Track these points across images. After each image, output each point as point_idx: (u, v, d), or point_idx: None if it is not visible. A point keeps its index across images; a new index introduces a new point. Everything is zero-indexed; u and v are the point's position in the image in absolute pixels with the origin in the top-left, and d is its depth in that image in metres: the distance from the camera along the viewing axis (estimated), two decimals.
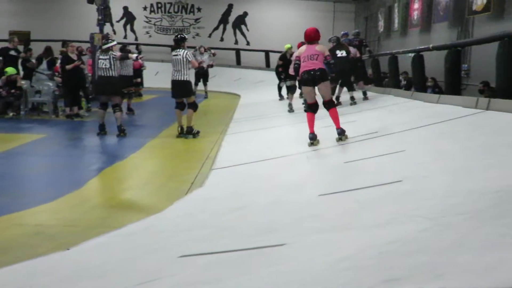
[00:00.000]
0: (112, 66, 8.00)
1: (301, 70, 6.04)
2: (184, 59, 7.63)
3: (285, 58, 11.80)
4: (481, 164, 3.23)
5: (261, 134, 7.70)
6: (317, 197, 3.38)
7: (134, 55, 9.63)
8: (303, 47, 6.29)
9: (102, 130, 8.01)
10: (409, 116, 6.52)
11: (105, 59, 8.00)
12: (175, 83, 7.77)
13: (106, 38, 10.48)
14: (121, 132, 7.95)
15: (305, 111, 6.83)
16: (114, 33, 21.11)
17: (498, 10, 9.89)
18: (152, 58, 20.38)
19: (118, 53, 8.55)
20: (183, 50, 7.71)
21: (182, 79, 7.70)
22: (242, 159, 5.76)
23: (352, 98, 9.20)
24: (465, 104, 5.73)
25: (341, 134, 5.83)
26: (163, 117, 10.66)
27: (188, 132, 7.84)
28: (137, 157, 6.49)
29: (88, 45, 13.72)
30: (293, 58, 7.08)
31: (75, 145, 7.38)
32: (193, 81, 10.43)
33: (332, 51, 8.35)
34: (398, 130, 5.52)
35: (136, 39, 22.68)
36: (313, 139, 5.96)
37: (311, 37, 6.22)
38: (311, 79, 5.93)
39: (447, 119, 5.36)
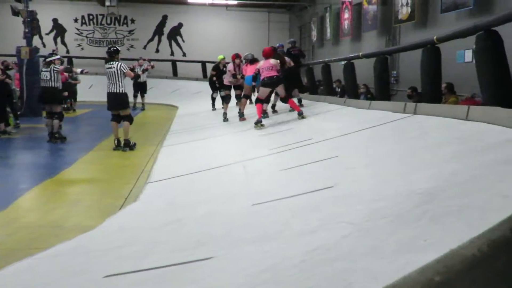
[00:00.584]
0: (52, 78, 8.73)
1: (263, 76, 8.29)
2: (119, 71, 7.68)
3: (218, 69, 12.04)
4: (407, 167, 3.34)
5: (198, 145, 7.64)
6: (251, 207, 3.37)
7: (79, 70, 10.05)
8: (262, 62, 8.49)
9: (52, 138, 8.68)
10: (342, 122, 6.68)
11: (47, 71, 8.76)
12: (111, 96, 7.80)
13: (53, 52, 11.92)
14: (57, 139, 8.63)
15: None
16: (44, 46, 20.40)
17: (422, 18, 10.39)
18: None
19: (60, 67, 9.29)
20: (117, 62, 7.75)
21: (118, 91, 7.73)
22: (178, 171, 5.69)
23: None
24: (394, 109, 5.94)
25: (301, 115, 8.01)
26: (98, 131, 10.37)
27: (125, 145, 7.82)
28: (69, 173, 6.25)
29: (15, 59, 13.22)
30: (252, 68, 9.07)
31: (2, 163, 7.00)
32: (130, 93, 10.43)
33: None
34: (332, 136, 5.64)
35: (67, 52, 22.00)
36: (260, 122, 8.06)
37: (267, 54, 8.49)
38: (270, 83, 8.24)
39: (377, 124, 5.53)
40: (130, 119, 7.95)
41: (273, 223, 2.61)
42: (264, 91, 8.41)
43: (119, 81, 7.68)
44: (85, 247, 3.15)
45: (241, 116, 9.60)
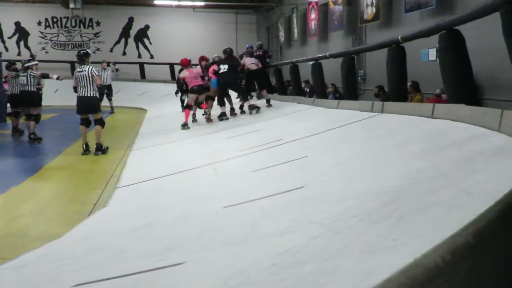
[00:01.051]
0: (29, 82, 9.52)
1: (192, 85, 9.65)
2: (90, 75, 7.69)
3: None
4: (375, 166, 3.39)
5: (167, 148, 7.58)
6: (222, 209, 3.35)
7: (55, 76, 10.38)
8: (186, 71, 9.84)
9: (29, 139, 9.27)
10: (311, 122, 6.73)
11: (24, 76, 9.63)
12: (82, 99, 7.78)
13: (31, 57, 13.25)
14: (34, 140, 9.14)
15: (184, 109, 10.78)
16: (7, 50, 19.91)
17: (386, 18, 10.56)
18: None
19: (37, 72, 9.92)
20: (88, 66, 7.80)
21: (89, 95, 7.73)
22: (148, 175, 5.62)
23: (250, 106, 9.45)
24: (362, 108, 6.02)
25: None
26: (64, 136, 10.18)
27: (97, 149, 7.78)
28: (34, 181, 6.11)
29: None
30: (181, 77, 10.34)
31: None
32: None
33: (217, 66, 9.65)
34: (301, 137, 5.66)
35: (31, 55, 21.46)
36: (185, 125, 9.36)
37: (187, 64, 9.89)
38: (198, 90, 9.64)
39: (345, 124, 5.58)
40: (102, 123, 7.96)
41: (244, 225, 2.60)
42: (192, 97, 9.79)
43: (90, 85, 7.67)
44: (52, 255, 3.08)
45: (208, 117, 9.86)
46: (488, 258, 1.37)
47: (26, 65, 9.97)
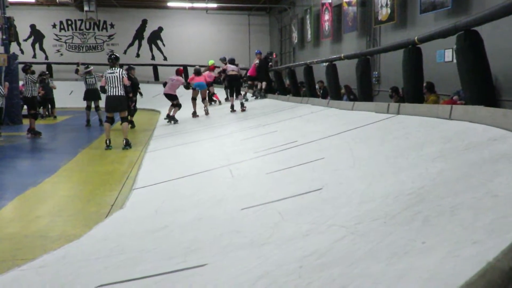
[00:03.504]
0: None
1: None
2: (121, 76, 8.54)
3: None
4: (394, 167, 3.36)
5: (182, 150, 7.60)
6: (240, 211, 3.35)
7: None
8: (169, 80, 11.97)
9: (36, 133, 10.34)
10: (326, 124, 6.70)
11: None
12: (112, 98, 8.56)
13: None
14: (33, 133, 10.09)
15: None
16: (22, 52, 20.13)
17: (401, 19, 10.50)
18: (65, 77, 19.63)
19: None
20: (119, 69, 8.69)
21: (119, 94, 8.54)
22: (163, 176, 5.64)
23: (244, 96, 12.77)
24: (378, 110, 5.98)
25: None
26: (79, 138, 10.25)
27: (126, 144, 8.58)
28: (51, 182, 6.16)
29: None
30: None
31: None
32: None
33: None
34: (317, 138, 5.64)
35: (46, 58, 21.74)
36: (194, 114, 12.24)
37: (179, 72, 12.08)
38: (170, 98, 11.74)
39: (361, 125, 5.55)
40: (128, 120, 9.12)
41: (264, 227, 2.59)
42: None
43: (120, 85, 8.49)
44: (72, 256, 3.10)
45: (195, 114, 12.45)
46: None
47: (87, 69, 13.02)
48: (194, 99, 12.57)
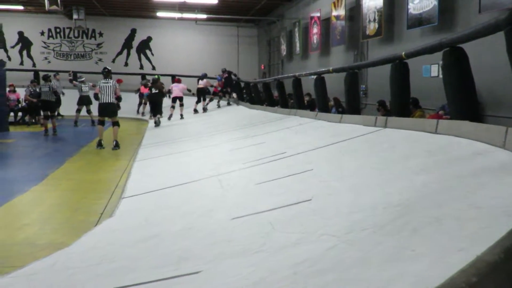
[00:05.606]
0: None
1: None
2: (113, 87, 10.07)
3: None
4: (381, 179, 3.43)
5: (171, 159, 7.62)
6: (230, 221, 3.39)
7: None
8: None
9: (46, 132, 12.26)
10: (314, 136, 6.77)
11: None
12: (104, 105, 9.99)
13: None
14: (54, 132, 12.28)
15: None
16: (9, 59, 20.00)
17: (388, 34, 10.69)
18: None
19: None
20: (112, 80, 10.24)
21: (111, 101, 10.02)
22: (153, 186, 5.66)
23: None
24: (365, 123, 6.07)
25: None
26: (66, 146, 10.21)
27: (116, 145, 9.81)
28: (39, 190, 6.13)
29: None
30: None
31: None
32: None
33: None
34: (305, 150, 5.71)
35: (33, 65, 21.60)
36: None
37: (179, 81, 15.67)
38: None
39: (349, 138, 5.64)
40: (118, 124, 10.19)
41: (255, 236, 2.64)
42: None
43: (112, 94, 9.96)
44: (62, 264, 3.11)
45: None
46: None
47: (81, 79, 15.66)
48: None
